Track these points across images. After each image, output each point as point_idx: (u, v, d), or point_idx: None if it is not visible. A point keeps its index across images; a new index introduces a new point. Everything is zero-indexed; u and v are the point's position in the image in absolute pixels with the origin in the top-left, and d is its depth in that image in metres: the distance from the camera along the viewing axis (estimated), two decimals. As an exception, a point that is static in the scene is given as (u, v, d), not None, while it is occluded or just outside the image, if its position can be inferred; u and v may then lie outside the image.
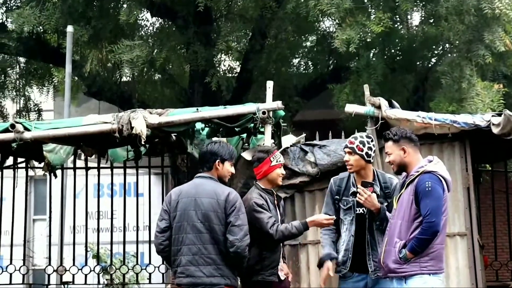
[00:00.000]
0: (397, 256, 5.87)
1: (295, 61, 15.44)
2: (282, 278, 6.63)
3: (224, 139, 7.78)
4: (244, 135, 8.45)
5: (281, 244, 6.64)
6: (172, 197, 6.09)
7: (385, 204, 6.44)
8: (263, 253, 6.40)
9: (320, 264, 6.64)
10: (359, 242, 6.50)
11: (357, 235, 6.51)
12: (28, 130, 7.98)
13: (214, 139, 8.06)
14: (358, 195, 6.41)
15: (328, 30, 14.32)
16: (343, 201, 6.61)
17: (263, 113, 7.71)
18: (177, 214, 5.99)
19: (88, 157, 9.96)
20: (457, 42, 11.78)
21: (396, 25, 13.15)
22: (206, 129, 8.36)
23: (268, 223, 6.32)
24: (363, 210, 6.50)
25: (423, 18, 13.49)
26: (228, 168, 6.24)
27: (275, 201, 6.69)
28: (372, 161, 6.58)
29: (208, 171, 6.15)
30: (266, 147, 7.11)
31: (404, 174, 6.18)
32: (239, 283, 6.08)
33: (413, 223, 5.85)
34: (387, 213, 6.37)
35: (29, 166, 10.22)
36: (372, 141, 6.59)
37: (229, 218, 5.90)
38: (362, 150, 6.48)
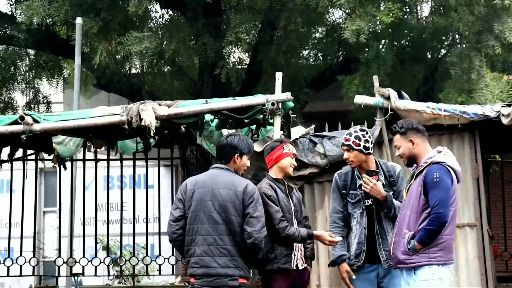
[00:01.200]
0: (406, 247, 5.86)
1: (305, 52, 15.42)
2: (301, 267, 6.59)
3: (241, 134, 7.78)
4: (254, 127, 8.45)
5: None
6: (188, 186, 6.06)
7: (391, 192, 6.44)
8: (274, 242, 6.40)
9: (332, 264, 6.67)
10: (369, 234, 6.51)
11: (367, 227, 6.51)
12: (38, 122, 8.00)
13: (230, 131, 8.07)
14: (363, 184, 6.40)
15: (337, 21, 14.29)
16: (351, 194, 6.61)
17: (272, 104, 7.71)
18: (192, 203, 5.97)
19: (98, 149, 9.99)
20: (467, 33, 11.73)
21: (405, 16, 13.11)
22: (216, 120, 8.36)
23: (276, 218, 6.32)
24: (371, 201, 6.50)
25: (432, 9, 13.44)
26: (245, 162, 6.25)
27: (287, 191, 6.68)
28: (371, 152, 6.58)
29: (226, 163, 6.14)
30: (280, 138, 7.12)
31: (414, 165, 6.16)
32: (251, 274, 6.07)
33: (422, 214, 5.84)
34: (394, 200, 6.36)
35: (38, 158, 10.25)
36: (367, 133, 6.59)
37: (247, 210, 5.89)
38: (359, 145, 6.49)
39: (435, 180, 5.78)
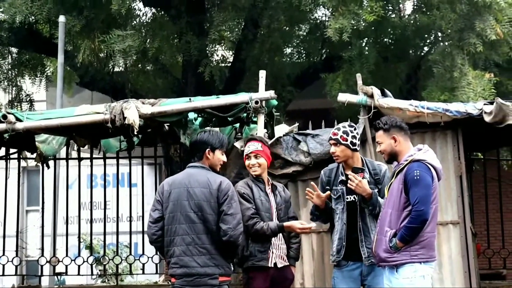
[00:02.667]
0: (387, 245, 5.88)
1: (288, 50, 15.40)
2: (280, 265, 6.60)
3: (217, 129, 7.76)
4: (237, 125, 8.45)
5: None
6: (164, 187, 6.09)
7: (376, 190, 6.46)
8: (248, 240, 6.41)
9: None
10: (352, 230, 6.53)
11: (349, 223, 6.54)
12: (20, 120, 7.97)
13: (214, 129, 8.06)
14: (349, 181, 6.43)
15: (320, 20, 14.29)
16: (333, 190, 6.64)
17: (256, 102, 7.72)
18: (169, 204, 5.98)
19: (81, 148, 9.95)
20: (449, 30, 11.78)
21: (388, 14, 13.14)
22: (199, 119, 8.36)
23: (245, 215, 6.31)
24: (354, 197, 6.52)
25: (415, 7, 13.48)
26: (219, 157, 6.23)
27: (268, 190, 6.69)
28: (358, 149, 6.61)
29: (199, 160, 6.14)
30: (248, 137, 7.11)
31: (395, 163, 6.19)
32: (232, 270, 6.07)
33: (403, 212, 5.86)
34: (379, 198, 6.39)
35: (21, 157, 10.20)
36: (355, 129, 6.63)
37: (222, 207, 5.91)
38: (346, 140, 6.52)
39: (415, 178, 5.81)
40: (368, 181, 6.49)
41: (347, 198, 6.54)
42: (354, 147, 6.55)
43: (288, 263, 6.71)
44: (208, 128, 7.74)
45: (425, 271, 5.84)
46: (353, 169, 6.50)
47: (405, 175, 5.89)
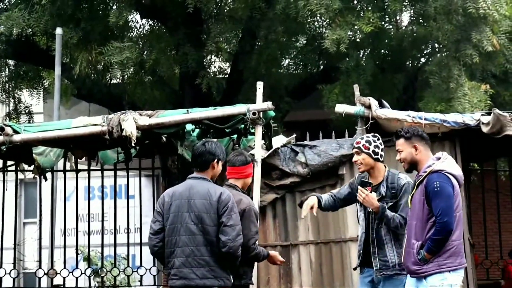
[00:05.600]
0: (416, 257, 5.86)
1: (285, 61, 15.43)
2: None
3: (215, 140, 7.76)
4: (235, 136, 8.45)
5: None
6: (165, 198, 6.06)
7: (390, 204, 6.45)
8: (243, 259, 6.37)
9: (301, 203, 6.80)
10: (368, 240, 6.55)
11: (367, 232, 6.56)
12: (18, 133, 7.97)
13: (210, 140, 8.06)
14: (357, 194, 6.45)
15: (318, 31, 14.32)
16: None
17: (253, 114, 7.73)
18: (170, 216, 5.96)
19: (78, 160, 9.95)
20: (446, 42, 11.80)
21: (385, 25, 13.17)
22: (197, 130, 8.37)
23: (254, 237, 6.23)
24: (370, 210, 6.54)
25: (412, 18, 13.51)
26: (220, 168, 6.24)
27: None
28: (381, 159, 6.59)
29: (202, 171, 6.11)
30: (251, 157, 7.07)
31: (415, 173, 6.17)
32: (232, 282, 6.05)
33: (428, 223, 5.83)
34: (389, 212, 6.37)
35: (19, 169, 10.19)
36: (378, 139, 6.62)
37: (221, 219, 5.88)
38: (368, 149, 6.53)
39: (436, 189, 5.79)
40: (383, 195, 6.49)
41: (369, 208, 6.54)
42: (376, 157, 6.55)
43: None
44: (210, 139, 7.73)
45: (453, 279, 5.82)
46: (361, 182, 6.53)
47: (425, 187, 5.86)
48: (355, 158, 6.65)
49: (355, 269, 6.88)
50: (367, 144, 6.55)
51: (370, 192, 6.42)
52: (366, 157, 6.55)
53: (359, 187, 6.50)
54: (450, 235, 5.77)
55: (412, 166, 6.13)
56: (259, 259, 6.38)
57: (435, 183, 5.82)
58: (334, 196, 6.83)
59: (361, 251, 6.59)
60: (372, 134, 6.76)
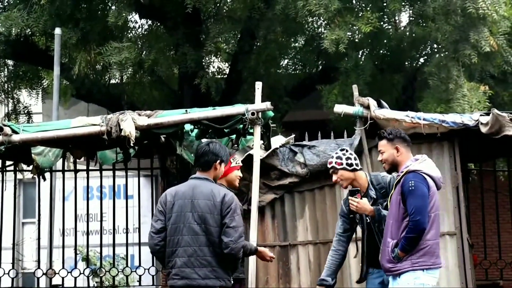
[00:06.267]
0: (390, 255, 5.94)
1: (284, 62, 15.44)
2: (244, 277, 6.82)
3: (219, 142, 7.78)
4: (233, 136, 8.45)
5: None
6: (167, 197, 6.04)
7: (385, 203, 6.47)
8: None
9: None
10: (374, 243, 6.54)
11: (370, 239, 6.58)
12: (16, 133, 7.96)
13: (204, 141, 8.06)
14: (350, 205, 6.47)
15: (316, 31, 14.33)
16: (353, 217, 6.66)
17: (252, 114, 7.72)
18: (172, 215, 5.95)
19: (77, 160, 9.95)
20: (444, 42, 11.80)
21: (384, 26, 13.18)
22: (195, 130, 8.36)
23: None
24: (367, 218, 6.55)
25: (411, 18, 13.53)
26: (222, 170, 6.25)
27: None
28: (358, 168, 6.63)
29: (205, 171, 6.10)
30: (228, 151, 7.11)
31: (395, 174, 6.24)
32: (232, 283, 6.06)
33: (403, 222, 5.92)
34: (385, 212, 6.40)
35: (17, 169, 10.18)
36: (347, 151, 6.68)
37: (224, 220, 5.88)
38: (341, 164, 6.59)
39: (410, 188, 5.89)
40: (375, 198, 6.51)
41: (367, 220, 6.56)
42: (352, 168, 6.59)
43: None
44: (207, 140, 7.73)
45: (426, 279, 5.87)
46: (350, 192, 6.57)
47: (401, 186, 5.97)
48: (334, 178, 6.69)
49: (358, 282, 6.86)
50: (338, 161, 6.60)
51: (361, 198, 6.46)
52: (343, 172, 6.60)
53: (349, 197, 6.52)
54: (423, 234, 5.84)
55: (393, 167, 6.23)
56: (246, 253, 6.36)
57: (410, 182, 5.92)
58: (340, 250, 6.83)
59: (364, 266, 6.63)
60: (340, 148, 6.82)
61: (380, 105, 8.26)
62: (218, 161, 6.12)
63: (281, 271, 8.53)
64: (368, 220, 6.56)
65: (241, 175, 6.84)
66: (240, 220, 5.95)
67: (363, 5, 12.58)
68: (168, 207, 5.98)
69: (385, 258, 6.02)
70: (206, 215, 5.86)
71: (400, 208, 5.95)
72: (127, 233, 10.37)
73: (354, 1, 12.75)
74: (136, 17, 14.38)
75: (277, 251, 8.49)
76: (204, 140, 8.20)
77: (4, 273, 10.27)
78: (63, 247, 10.47)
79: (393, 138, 6.22)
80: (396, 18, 13.82)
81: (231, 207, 5.90)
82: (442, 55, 12.63)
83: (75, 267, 10.55)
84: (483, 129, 7.87)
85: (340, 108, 8.41)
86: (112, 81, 15.08)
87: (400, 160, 6.16)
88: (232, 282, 6.03)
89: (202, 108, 8.15)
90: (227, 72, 14.83)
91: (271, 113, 8.08)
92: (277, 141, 8.70)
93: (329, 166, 6.68)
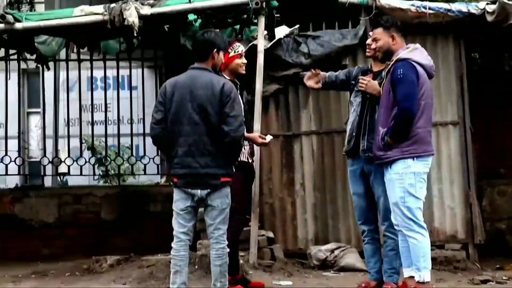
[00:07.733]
0: (380, 143, 5.96)
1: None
2: (250, 161, 6.81)
3: (216, 30, 7.72)
4: (237, 27, 8.39)
5: None
6: (167, 88, 6.03)
7: None
8: None
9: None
10: (361, 124, 6.53)
11: (360, 116, 6.52)
12: (19, 21, 7.91)
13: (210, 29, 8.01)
14: (358, 84, 6.44)
15: None
16: (357, 83, 6.59)
17: (256, 3, 7.64)
18: (172, 105, 5.95)
19: (81, 50, 9.92)
20: None
21: None
22: (199, 20, 8.30)
23: None
24: (368, 96, 6.49)
25: None
26: (221, 58, 6.20)
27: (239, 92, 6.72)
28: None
29: (203, 61, 6.08)
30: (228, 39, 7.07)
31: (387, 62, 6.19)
32: (234, 171, 6.11)
33: (392, 110, 5.91)
34: None
35: (21, 57, 10.16)
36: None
37: (224, 109, 5.88)
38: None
39: (399, 76, 5.85)
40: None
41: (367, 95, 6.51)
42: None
43: (253, 160, 6.91)
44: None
45: (417, 167, 5.89)
46: (362, 71, 6.54)
47: (391, 75, 5.93)
48: (368, 41, 6.53)
49: (344, 154, 6.79)
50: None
51: (372, 78, 6.43)
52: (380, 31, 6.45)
53: (360, 76, 6.49)
54: (411, 121, 5.83)
55: (386, 55, 6.15)
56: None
57: (399, 70, 5.88)
58: (334, 76, 6.85)
59: (354, 134, 6.53)
60: None
61: (385, -5, 8.16)
62: (215, 49, 6.06)
63: (284, 160, 8.63)
64: (368, 96, 6.49)
65: (245, 61, 6.77)
66: (239, 109, 5.96)
67: None
68: (168, 98, 5.96)
69: (376, 146, 6.06)
70: (205, 104, 5.86)
71: (390, 97, 5.93)
72: (131, 123, 10.44)
73: None
74: None
75: (280, 141, 8.57)
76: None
77: (11, 161, 10.40)
78: (68, 136, 10.55)
79: (390, 26, 6.14)
80: None
81: (231, 96, 5.89)
82: None
83: (81, 156, 10.67)
84: (489, 18, 7.81)
85: (346, -3, 8.31)
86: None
87: (395, 49, 6.09)
88: (234, 170, 6.09)
89: (206, -3, 8.06)
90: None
91: (275, 3, 7.98)
92: (281, 31, 8.64)
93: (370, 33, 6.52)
